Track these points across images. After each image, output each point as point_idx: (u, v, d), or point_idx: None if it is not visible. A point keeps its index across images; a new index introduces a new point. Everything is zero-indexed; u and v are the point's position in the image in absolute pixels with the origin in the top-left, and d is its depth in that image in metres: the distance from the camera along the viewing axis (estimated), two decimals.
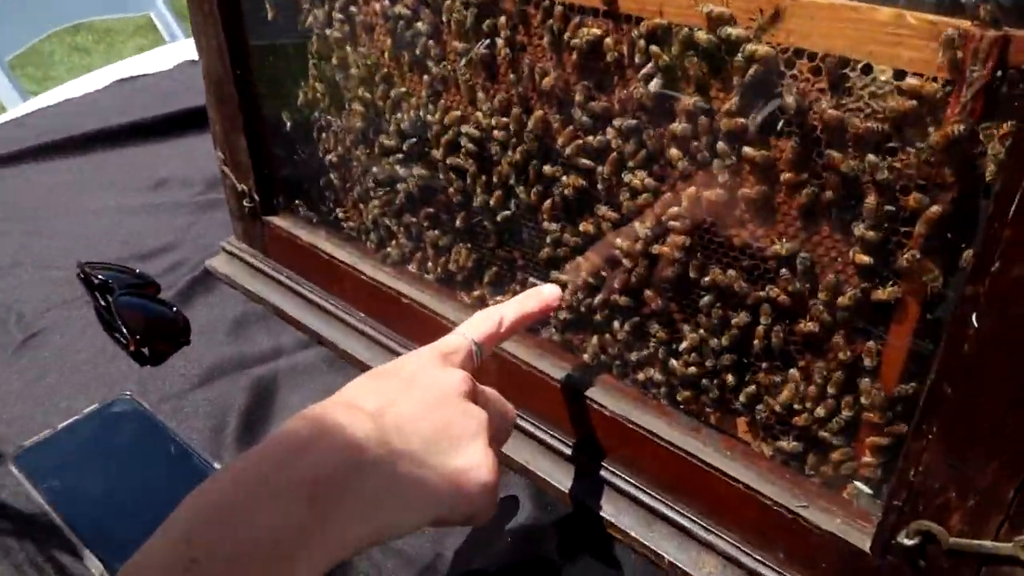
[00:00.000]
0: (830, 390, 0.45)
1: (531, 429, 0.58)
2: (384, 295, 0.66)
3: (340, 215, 0.72)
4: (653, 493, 0.52)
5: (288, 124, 0.72)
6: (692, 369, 0.51)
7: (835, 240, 0.42)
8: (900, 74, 0.37)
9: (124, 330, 0.71)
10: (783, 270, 0.44)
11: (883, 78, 0.37)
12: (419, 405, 0.41)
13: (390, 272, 0.67)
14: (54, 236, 0.93)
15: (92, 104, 1.32)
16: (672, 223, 0.47)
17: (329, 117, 0.67)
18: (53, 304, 0.80)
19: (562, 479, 0.56)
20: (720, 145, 0.43)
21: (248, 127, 0.71)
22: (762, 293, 0.46)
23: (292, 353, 0.72)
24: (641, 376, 0.54)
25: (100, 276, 0.77)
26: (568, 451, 0.56)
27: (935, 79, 0.36)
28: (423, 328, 0.64)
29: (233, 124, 0.72)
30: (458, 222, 0.60)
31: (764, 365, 0.48)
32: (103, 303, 0.75)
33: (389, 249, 0.68)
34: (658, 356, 0.52)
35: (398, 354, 0.66)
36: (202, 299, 0.81)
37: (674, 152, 0.46)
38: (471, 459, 0.41)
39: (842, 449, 0.46)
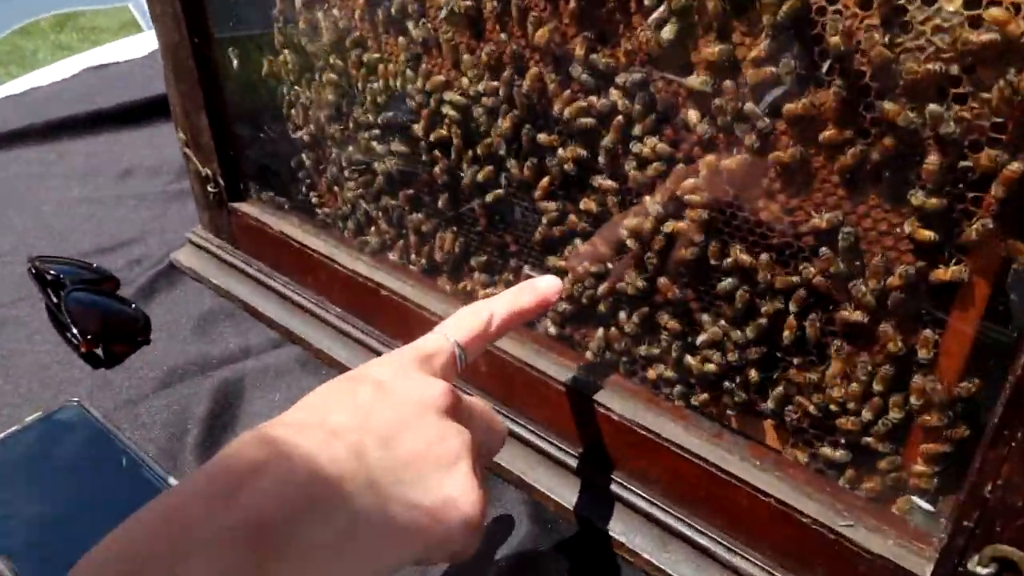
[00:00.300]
0: (876, 388, 0.39)
1: (528, 436, 0.51)
2: (362, 287, 0.59)
3: (314, 200, 0.65)
4: (669, 508, 0.45)
5: (254, 98, 0.65)
6: (711, 366, 0.44)
7: (886, 210, 0.35)
8: (972, 2, 0.30)
9: (74, 329, 0.64)
10: (822, 249, 0.37)
11: (951, 8, 0.31)
12: (389, 424, 0.34)
13: (368, 262, 0.60)
14: (9, 229, 0.86)
15: (60, 92, 1.24)
16: (689, 196, 0.41)
17: (298, 89, 0.60)
18: (4, 302, 0.73)
19: (564, 492, 0.50)
20: (747, 105, 0.37)
21: (209, 104, 0.65)
22: (795, 277, 0.39)
23: (262, 353, 0.66)
24: (652, 374, 0.47)
25: (52, 271, 0.71)
26: (571, 461, 0.50)
27: (1017, 7, 0.29)
28: (406, 324, 0.57)
29: (193, 100, 0.65)
30: (442, 203, 0.53)
31: (796, 360, 0.41)
32: (54, 300, 0.68)
33: (368, 237, 0.61)
34: (672, 352, 0.46)
35: (378, 353, 0.59)
36: (165, 295, 0.74)
37: (692, 114, 0.39)
38: (452, 489, 0.34)
39: (889, 457, 0.40)
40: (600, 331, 0.49)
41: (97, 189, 0.95)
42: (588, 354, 0.50)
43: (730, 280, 0.41)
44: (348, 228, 0.63)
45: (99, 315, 0.68)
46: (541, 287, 0.45)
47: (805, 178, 0.37)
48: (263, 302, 0.68)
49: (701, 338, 0.44)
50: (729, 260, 0.41)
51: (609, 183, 0.44)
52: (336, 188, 0.62)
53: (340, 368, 0.62)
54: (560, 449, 0.50)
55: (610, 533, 0.47)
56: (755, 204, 0.39)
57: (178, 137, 0.71)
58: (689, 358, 0.45)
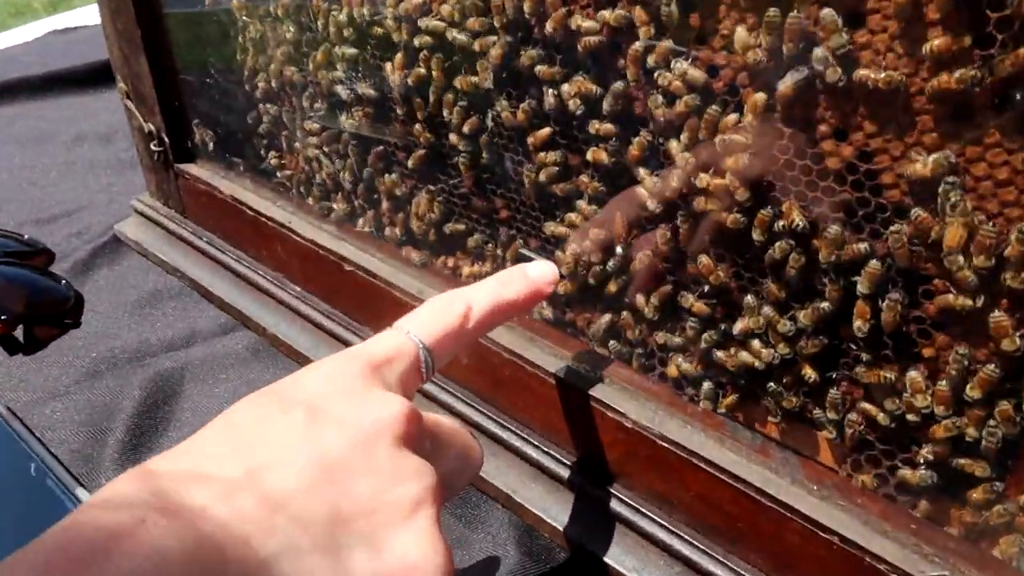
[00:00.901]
0: (971, 394, 0.29)
1: (518, 444, 0.42)
2: (324, 262, 0.49)
3: (272, 161, 0.55)
4: (696, 542, 0.36)
5: (200, 36, 0.55)
6: (749, 358, 0.35)
7: (1009, 151, 0.26)
8: None
9: None
10: (915, 211, 0.28)
11: None
12: (325, 463, 0.25)
13: (332, 231, 0.50)
14: None
15: (18, 55, 1.15)
16: (728, 137, 0.31)
17: (249, 22, 0.50)
18: None
19: (562, 516, 0.40)
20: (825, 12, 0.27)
21: (149, 45, 0.55)
22: (862, 245, 0.30)
23: (210, 339, 0.56)
24: (673, 370, 0.38)
25: None
26: (569, 475, 0.40)
27: None
28: (374, 306, 0.47)
29: (131, 42, 0.55)
30: (416, 160, 0.44)
31: (865, 356, 0.32)
32: None
33: (332, 203, 0.51)
34: (699, 342, 0.36)
35: (343, 341, 0.50)
36: (106, 271, 0.64)
37: (742, 35, 0.30)
38: (410, 550, 0.25)
39: (986, 484, 0.30)
40: (608, 315, 0.39)
41: (44, 155, 0.86)
42: (592, 343, 0.41)
43: (781, 249, 0.32)
44: (312, 193, 0.53)
45: (22, 292, 0.58)
46: (533, 275, 0.36)
47: (896, 107, 0.27)
48: (213, 280, 0.59)
49: (738, 326, 0.35)
50: (782, 223, 0.31)
51: (623, 128, 0.35)
52: (295, 145, 0.52)
53: (299, 359, 0.52)
54: (558, 461, 0.40)
55: (618, 569, 0.38)
56: (819, 147, 0.30)
57: (119, 88, 0.61)
58: (719, 353, 0.36)
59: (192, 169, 0.59)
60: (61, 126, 0.92)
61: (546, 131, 0.38)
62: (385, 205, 0.48)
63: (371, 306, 0.47)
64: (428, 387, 0.45)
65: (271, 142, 0.55)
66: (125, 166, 0.81)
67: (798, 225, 0.31)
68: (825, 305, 0.31)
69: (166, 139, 0.58)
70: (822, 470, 0.33)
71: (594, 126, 0.36)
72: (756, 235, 0.32)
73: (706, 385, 0.37)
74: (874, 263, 0.30)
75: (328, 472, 0.24)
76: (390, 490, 0.25)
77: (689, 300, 0.36)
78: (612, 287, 0.38)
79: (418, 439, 0.28)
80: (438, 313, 0.32)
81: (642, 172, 0.35)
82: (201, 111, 0.58)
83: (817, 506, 0.32)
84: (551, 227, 0.40)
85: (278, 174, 0.55)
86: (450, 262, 0.47)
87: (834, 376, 0.33)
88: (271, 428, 0.26)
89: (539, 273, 0.36)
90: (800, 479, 0.33)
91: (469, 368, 0.43)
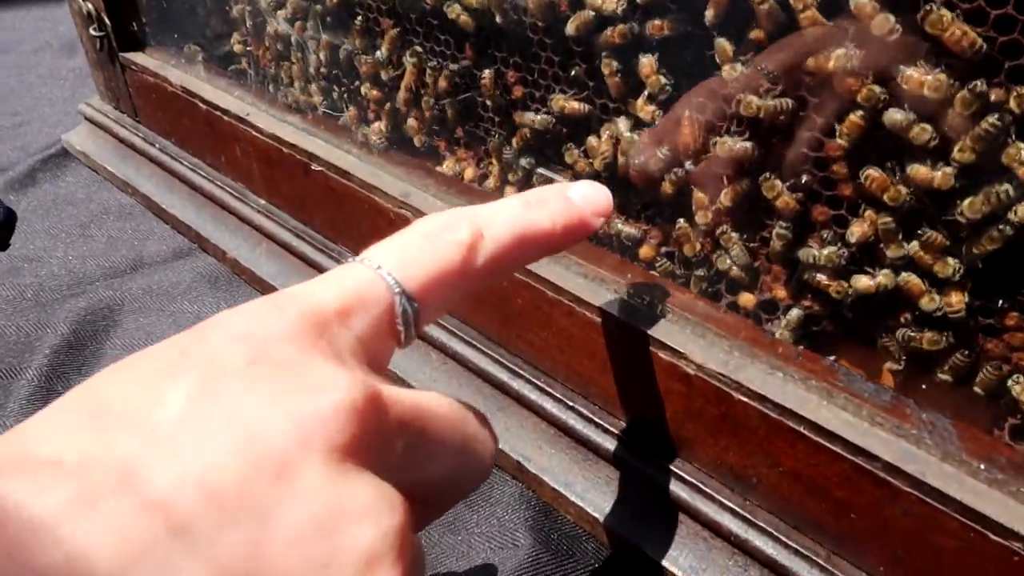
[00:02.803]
0: None
1: (533, 397, 0.31)
2: (288, 163, 0.39)
3: (235, 45, 0.44)
4: (779, 534, 0.25)
5: None
6: (869, 284, 0.24)
7: None
8: None
9: None
10: None
11: None
12: (205, 491, 0.14)
13: (296, 123, 0.39)
14: None
15: None
16: None
17: None
18: None
19: (588, 491, 0.30)
20: None
21: None
22: None
23: (158, 265, 0.46)
24: (747, 299, 0.27)
25: None
26: (602, 440, 0.30)
27: None
28: (350, 216, 0.37)
29: None
30: (394, 29, 0.33)
31: None
32: None
33: (299, 93, 0.41)
34: (795, 260, 0.25)
35: (316, 267, 0.39)
36: (48, 187, 0.54)
37: None
38: None
39: None
40: (660, 226, 0.28)
41: (1, 66, 0.76)
42: (642, 261, 0.30)
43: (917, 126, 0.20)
44: (275, 80, 0.42)
45: None
46: (577, 198, 0.23)
47: None
48: (167, 195, 0.49)
49: (855, 232, 0.24)
50: (911, 74, 0.20)
51: None
52: (255, 21, 0.41)
53: (263, 288, 0.42)
54: (588, 421, 0.30)
55: (668, 568, 0.27)
56: None
57: None
58: (821, 277, 0.25)
59: (139, 59, 0.48)
60: (25, 36, 0.82)
61: None
62: (370, 92, 0.37)
63: (346, 217, 0.37)
64: None
65: (224, 19, 0.44)
66: (87, 78, 0.71)
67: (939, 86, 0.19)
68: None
69: (107, 21, 0.47)
70: (990, 441, 0.22)
71: None
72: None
73: (794, 314, 0.26)
74: None
75: (213, 510, 0.14)
76: (319, 544, 0.15)
77: (776, 189, 0.25)
78: (667, 185, 0.27)
79: (380, 444, 0.17)
80: (429, 241, 0.21)
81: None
82: None
83: (985, 495, 0.21)
84: (567, 104, 0.29)
85: (237, 59, 0.44)
86: (451, 163, 0.36)
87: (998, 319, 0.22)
88: (137, 408, 0.15)
89: (585, 196, 0.23)
90: (958, 453, 0.22)
91: (469, 297, 0.33)
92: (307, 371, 0.16)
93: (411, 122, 0.36)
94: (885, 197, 0.23)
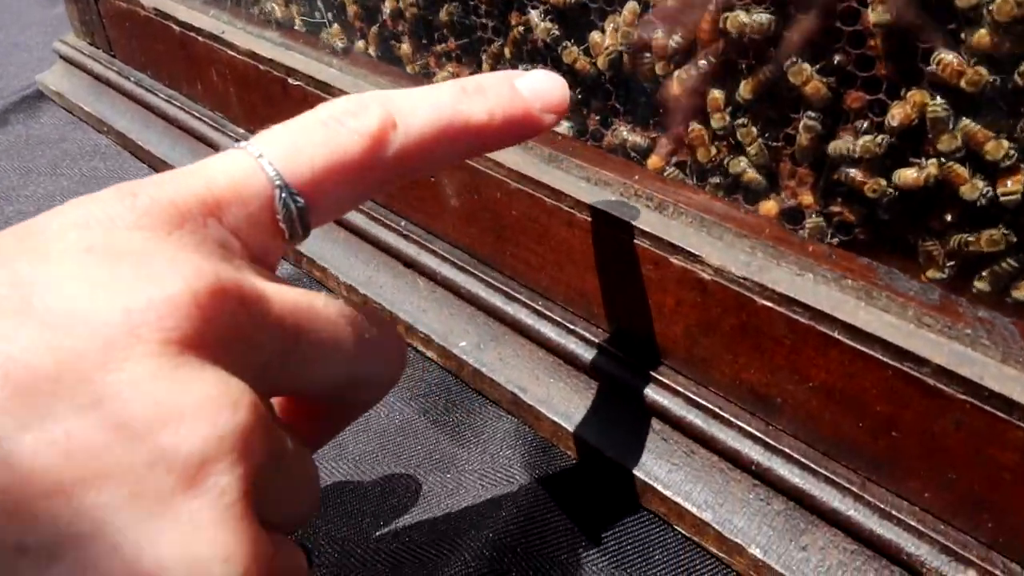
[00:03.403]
0: None
1: (529, 320, 0.28)
2: (266, 82, 0.36)
3: None
4: (808, 460, 0.22)
5: None
6: (917, 176, 0.21)
7: None
8: None
9: None
10: None
11: None
12: (13, 386, 0.12)
13: (274, 38, 0.36)
14: None
15: None
16: None
17: None
18: None
19: (590, 422, 0.27)
20: None
21: None
22: None
23: None
24: (769, 209, 0.24)
25: None
26: (606, 363, 0.27)
27: None
28: None
29: None
30: None
31: None
32: None
33: (277, 8, 0.37)
34: (822, 161, 0.22)
35: None
36: (21, 128, 0.51)
37: None
38: (169, 556, 0.13)
39: None
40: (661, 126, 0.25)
41: None
42: (649, 161, 0.27)
43: None
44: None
45: None
46: (525, 89, 0.20)
47: None
48: (143, 131, 0.46)
49: (897, 115, 0.20)
50: None
51: None
52: None
53: None
54: (589, 344, 0.27)
55: (682, 504, 0.24)
56: None
57: None
58: (854, 172, 0.21)
59: None
60: None
61: None
62: (352, 8, 0.34)
63: None
64: (377, 239, 0.32)
65: None
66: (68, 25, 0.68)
67: None
68: None
69: None
70: None
71: None
72: None
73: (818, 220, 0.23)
74: None
75: (16, 405, 0.12)
76: (142, 441, 0.13)
77: (806, 74, 0.22)
78: (678, 84, 0.24)
79: (238, 340, 0.15)
80: (327, 128, 0.17)
81: None
82: None
83: None
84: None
85: None
86: (433, 63, 0.33)
87: None
88: None
89: (535, 88, 0.20)
90: (1021, 354, 0.19)
91: (453, 208, 0.30)
92: (149, 261, 0.14)
93: (403, 44, 0.32)
94: (963, 82, 0.20)
